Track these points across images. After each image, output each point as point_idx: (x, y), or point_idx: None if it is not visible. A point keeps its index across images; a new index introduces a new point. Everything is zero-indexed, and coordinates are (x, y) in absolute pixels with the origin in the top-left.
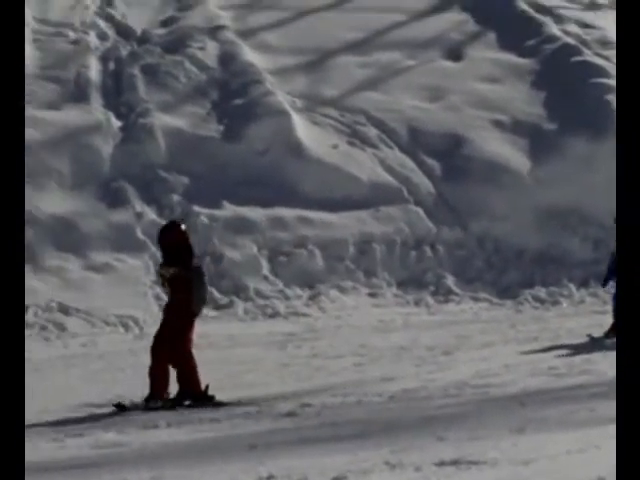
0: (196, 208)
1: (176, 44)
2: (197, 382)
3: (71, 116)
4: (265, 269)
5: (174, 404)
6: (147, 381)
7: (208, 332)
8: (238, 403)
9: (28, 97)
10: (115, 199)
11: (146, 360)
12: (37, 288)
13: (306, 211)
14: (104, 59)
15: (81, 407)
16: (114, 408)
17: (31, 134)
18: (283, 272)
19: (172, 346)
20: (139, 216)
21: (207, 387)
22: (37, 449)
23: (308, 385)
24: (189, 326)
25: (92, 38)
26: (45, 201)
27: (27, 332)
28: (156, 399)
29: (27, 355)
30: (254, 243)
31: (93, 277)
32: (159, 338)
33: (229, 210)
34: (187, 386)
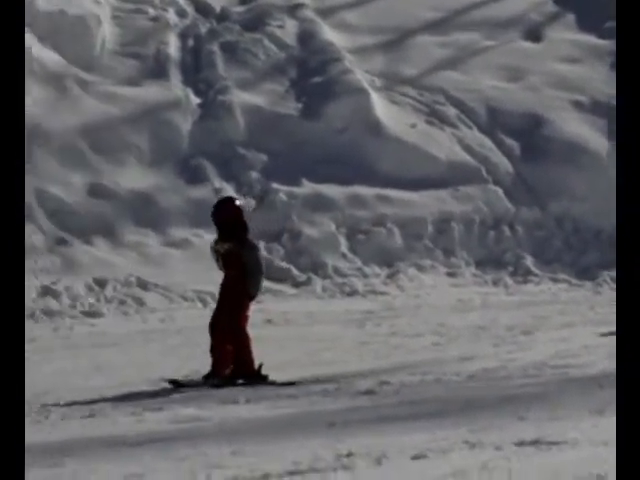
0: (275, 185)
1: (255, 22)
2: (251, 361)
3: (150, 92)
4: (344, 247)
5: (227, 383)
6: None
7: (286, 309)
8: (315, 381)
9: (108, 73)
10: (194, 175)
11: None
12: (116, 263)
13: (385, 189)
14: (183, 36)
15: (160, 381)
16: (169, 384)
17: (111, 110)
18: (362, 250)
19: (228, 323)
20: (217, 192)
21: (261, 366)
22: (116, 423)
23: (386, 363)
24: (244, 303)
25: (171, 15)
26: (124, 177)
27: (106, 307)
28: (214, 377)
29: (106, 329)
30: (332, 221)
31: (172, 252)
32: (216, 316)
33: (308, 188)
34: (241, 365)
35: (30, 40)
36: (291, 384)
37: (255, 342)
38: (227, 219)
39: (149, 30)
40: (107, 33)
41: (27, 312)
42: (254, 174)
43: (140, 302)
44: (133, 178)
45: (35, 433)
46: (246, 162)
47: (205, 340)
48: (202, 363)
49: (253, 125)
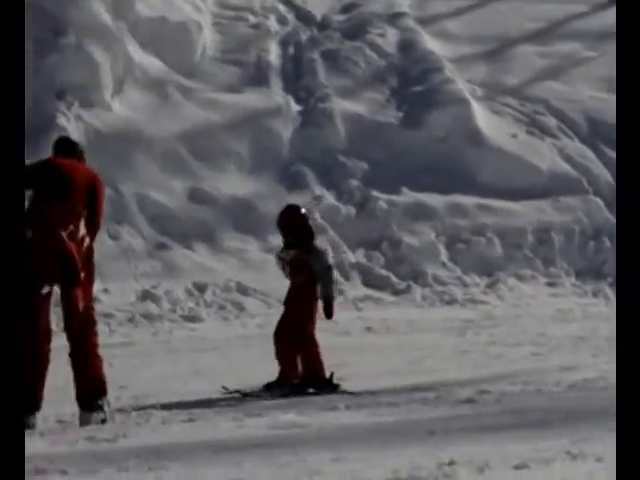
0: (375, 193)
1: (356, 30)
2: (321, 369)
3: (251, 99)
4: (443, 256)
5: (297, 391)
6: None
7: (386, 317)
8: (415, 389)
9: (209, 80)
10: (294, 183)
11: (324, 342)
12: (216, 268)
13: (485, 199)
14: (284, 43)
15: (259, 387)
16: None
17: (211, 117)
18: (461, 259)
19: (295, 332)
20: (317, 200)
21: (332, 375)
22: (217, 428)
23: (486, 372)
24: (312, 310)
25: (272, 23)
26: (225, 183)
27: (205, 311)
28: (281, 386)
29: (205, 334)
30: (432, 229)
31: (271, 259)
32: (282, 323)
33: (408, 196)
34: (311, 373)
35: (132, 47)
36: (371, 394)
37: (355, 350)
38: (292, 226)
39: (250, 37)
40: (208, 40)
41: (127, 316)
42: (354, 182)
43: (240, 307)
44: (233, 184)
45: (135, 437)
46: (346, 170)
47: None
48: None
49: (353, 133)
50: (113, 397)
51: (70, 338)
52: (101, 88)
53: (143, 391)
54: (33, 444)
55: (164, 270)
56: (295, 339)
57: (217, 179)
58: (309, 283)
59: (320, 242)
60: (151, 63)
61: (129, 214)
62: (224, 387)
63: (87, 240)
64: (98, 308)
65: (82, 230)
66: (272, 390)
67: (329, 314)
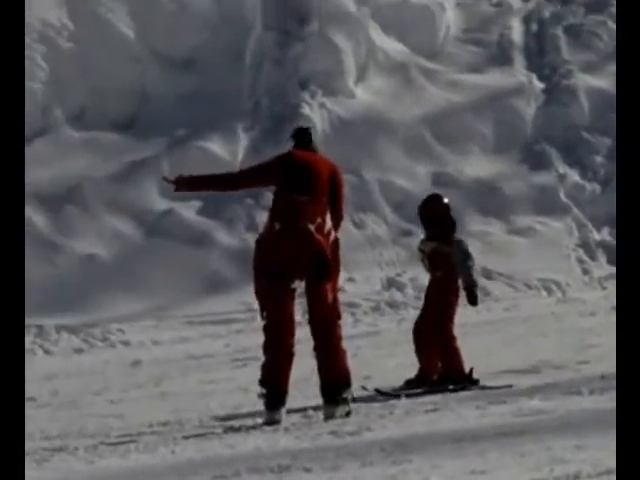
0: None
1: (599, 4)
2: (460, 365)
3: (494, 79)
4: None
5: (436, 388)
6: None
7: None
8: None
9: (451, 61)
10: (538, 161)
11: (570, 324)
12: None
13: None
14: (526, 20)
15: (503, 373)
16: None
17: (454, 98)
18: None
19: (434, 327)
20: (562, 178)
21: (472, 370)
22: (460, 418)
23: None
24: (451, 306)
25: (514, 0)
26: (468, 165)
27: None
28: (422, 382)
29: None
30: None
31: (516, 241)
32: (421, 318)
33: None
34: (449, 368)
35: (374, 32)
36: (508, 387)
37: (601, 331)
38: (433, 216)
39: (492, 16)
40: (450, 20)
41: (372, 305)
42: (599, 159)
43: (485, 291)
44: (477, 166)
45: (380, 429)
46: (590, 146)
47: (550, 329)
48: (548, 353)
49: (597, 109)
50: (357, 389)
51: (315, 332)
52: (344, 75)
53: (388, 382)
54: (277, 440)
55: (409, 257)
56: (434, 335)
57: (461, 161)
58: (449, 277)
59: (460, 236)
60: (393, 47)
61: (373, 201)
62: (363, 387)
63: (333, 233)
64: (343, 298)
65: (328, 223)
66: (412, 387)
67: (472, 301)
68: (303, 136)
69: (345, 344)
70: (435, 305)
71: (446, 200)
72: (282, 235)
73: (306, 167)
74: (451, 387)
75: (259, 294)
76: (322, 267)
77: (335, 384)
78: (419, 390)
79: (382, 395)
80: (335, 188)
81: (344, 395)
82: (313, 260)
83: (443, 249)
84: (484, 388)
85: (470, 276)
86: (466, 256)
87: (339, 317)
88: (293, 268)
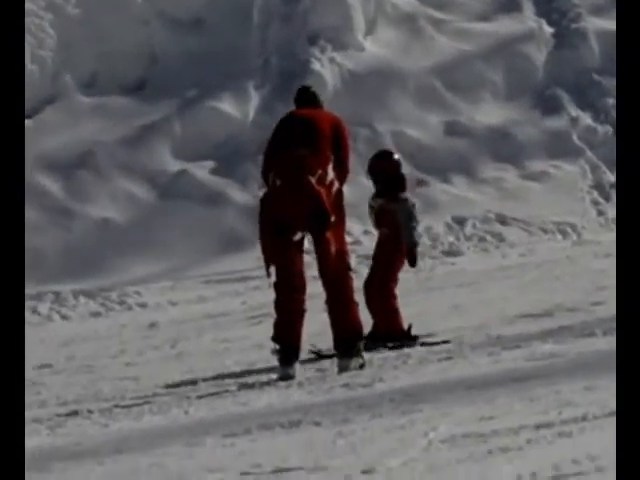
0: None
1: None
2: (398, 323)
3: (504, 26)
4: None
5: (377, 344)
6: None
7: None
8: None
9: (460, 10)
10: (549, 106)
11: (585, 267)
12: (474, 200)
13: None
14: None
15: (517, 318)
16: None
17: (464, 47)
18: None
19: (378, 284)
20: (574, 122)
21: (410, 327)
22: (473, 364)
23: None
24: (394, 264)
25: None
26: (480, 113)
27: (465, 245)
28: (374, 337)
29: (465, 267)
30: None
31: (530, 185)
32: (369, 276)
33: None
34: (388, 326)
35: None
36: (446, 342)
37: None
38: (381, 173)
39: None
40: None
41: None
42: (610, 101)
43: (500, 238)
44: (489, 113)
45: (392, 380)
46: (602, 89)
47: (565, 272)
48: (562, 296)
49: (608, 51)
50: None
51: (325, 284)
52: (353, 29)
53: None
54: (290, 396)
55: (423, 206)
56: (377, 292)
57: (472, 110)
58: (394, 235)
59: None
60: None
61: None
62: (311, 350)
63: (336, 184)
64: (359, 250)
65: (330, 174)
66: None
67: (412, 262)
68: (303, 95)
69: (357, 296)
70: (379, 263)
71: (396, 157)
72: (283, 189)
73: (305, 122)
74: (390, 345)
75: (264, 250)
76: (320, 217)
77: (347, 337)
78: (367, 344)
79: (319, 356)
80: (339, 141)
81: (358, 347)
82: (312, 210)
83: (389, 206)
84: (423, 344)
85: (411, 236)
86: (409, 216)
87: (348, 269)
88: (295, 220)
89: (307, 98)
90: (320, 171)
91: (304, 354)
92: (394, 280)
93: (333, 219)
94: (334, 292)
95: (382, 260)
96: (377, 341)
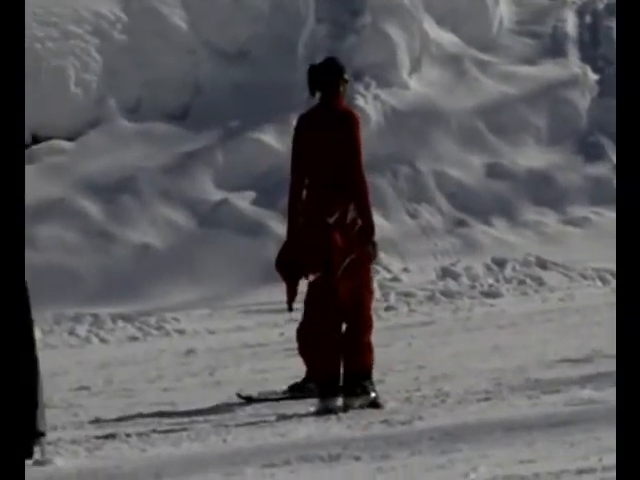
0: None
1: None
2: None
3: (548, 70)
4: None
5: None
6: None
7: None
8: None
9: (505, 53)
10: (592, 152)
11: None
12: (514, 242)
13: None
14: (580, 12)
15: (557, 362)
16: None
17: (508, 90)
18: None
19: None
20: (615, 169)
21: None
22: (512, 406)
23: None
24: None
25: None
26: (523, 156)
27: (505, 287)
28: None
29: (505, 309)
30: None
31: (570, 231)
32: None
33: None
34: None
35: (428, 23)
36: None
37: None
38: None
39: (546, 8)
40: (504, 12)
41: (427, 294)
42: None
43: (539, 281)
44: (531, 157)
45: (431, 418)
46: None
47: (604, 318)
48: (602, 342)
49: None
50: (411, 377)
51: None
52: (398, 67)
53: (441, 370)
54: (328, 429)
55: (463, 247)
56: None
57: (515, 153)
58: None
59: None
60: (447, 39)
61: (428, 192)
62: (238, 394)
63: (359, 222)
64: (398, 287)
65: (351, 211)
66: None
67: None
68: (314, 75)
69: (400, 332)
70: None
71: None
72: (304, 229)
73: (307, 148)
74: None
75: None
76: (329, 264)
77: (352, 375)
78: (279, 395)
79: (247, 400)
80: (345, 146)
81: (362, 386)
82: (323, 257)
83: None
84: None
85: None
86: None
87: (366, 308)
88: (308, 262)
89: (320, 81)
90: (338, 211)
91: (233, 398)
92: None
93: (351, 259)
94: (347, 330)
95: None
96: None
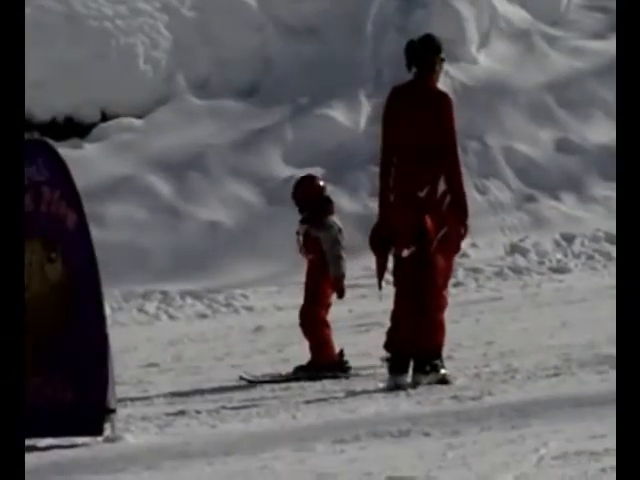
0: None
1: None
2: (329, 353)
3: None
4: None
5: (304, 375)
6: None
7: None
8: None
9: (574, 27)
10: None
11: None
12: (583, 218)
13: None
14: None
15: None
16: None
17: (577, 64)
18: None
19: (307, 312)
20: None
21: (342, 352)
22: (582, 382)
23: None
24: (323, 291)
25: None
26: (591, 130)
27: (573, 262)
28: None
29: (573, 285)
30: None
31: None
32: (302, 303)
33: None
34: (318, 355)
35: None
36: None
37: None
38: (305, 199)
39: None
40: None
41: (495, 270)
42: None
43: (608, 256)
44: (600, 132)
45: (501, 394)
46: None
47: None
48: None
49: None
50: (480, 354)
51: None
52: (467, 42)
53: (510, 346)
54: (398, 405)
55: (532, 222)
56: (310, 321)
57: (584, 128)
58: (321, 262)
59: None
60: (516, 13)
61: (496, 167)
62: (241, 377)
63: (448, 197)
64: (466, 263)
65: (441, 186)
66: (298, 373)
67: (339, 294)
68: (411, 50)
69: (467, 308)
70: (308, 290)
71: (321, 182)
72: (395, 206)
73: (399, 124)
74: (329, 374)
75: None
76: (424, 238)
77: (422, 353)
78: (283, 377)
79: (248, 382)
80: (439, 128)
81: (432, 364)
82: (415, 231)
83: (314, 233)
84: (357, 375)
85: (337, 268)
86: (334, 244)
87: (443, 286)
88: (399, 237)
89: (417, 58)
90: (428, 186)
91: (235, 380)
92: (324, 308)
93: (445, 231)
94: (419, 307)
95: (311, 288)
96: (311, 372)
